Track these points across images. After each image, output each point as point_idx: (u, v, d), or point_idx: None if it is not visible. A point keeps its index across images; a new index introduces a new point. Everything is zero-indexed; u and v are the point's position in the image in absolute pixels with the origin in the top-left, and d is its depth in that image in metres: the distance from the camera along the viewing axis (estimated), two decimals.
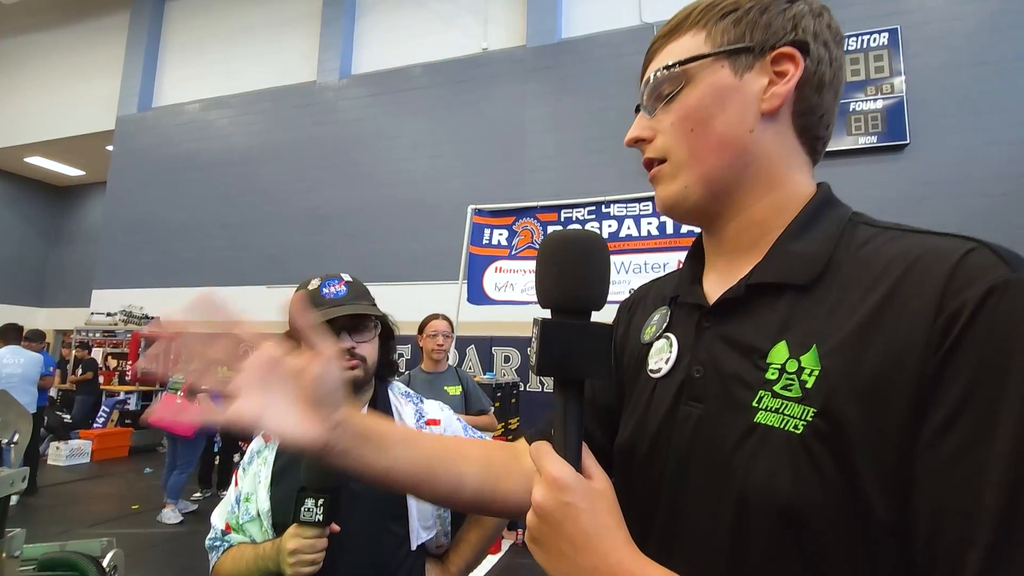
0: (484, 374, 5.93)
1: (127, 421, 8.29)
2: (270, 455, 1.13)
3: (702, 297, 0.55)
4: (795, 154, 0.53)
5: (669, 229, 3.91)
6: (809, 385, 0.43)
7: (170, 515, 4.84)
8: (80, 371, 8.24)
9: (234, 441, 5.90)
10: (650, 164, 0.56)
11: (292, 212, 8.60)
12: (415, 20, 8.56)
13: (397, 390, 1.26)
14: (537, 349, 0.44)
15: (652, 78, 0.54)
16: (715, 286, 0.55)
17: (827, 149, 0.57)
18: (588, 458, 0.46)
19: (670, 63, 0.53)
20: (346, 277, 1.17)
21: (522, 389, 6.04)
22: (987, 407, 0.36)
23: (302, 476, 0.97)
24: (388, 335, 1.24)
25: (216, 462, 5.89)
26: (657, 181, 0.56)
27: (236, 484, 1.15)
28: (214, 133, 9.54)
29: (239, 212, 8.98)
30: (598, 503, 0.44)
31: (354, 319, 1.12)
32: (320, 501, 0.95)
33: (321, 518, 0.94)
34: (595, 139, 7.07)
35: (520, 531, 4.30)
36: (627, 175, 6.75)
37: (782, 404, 0.43)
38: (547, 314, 0.47)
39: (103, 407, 8.12)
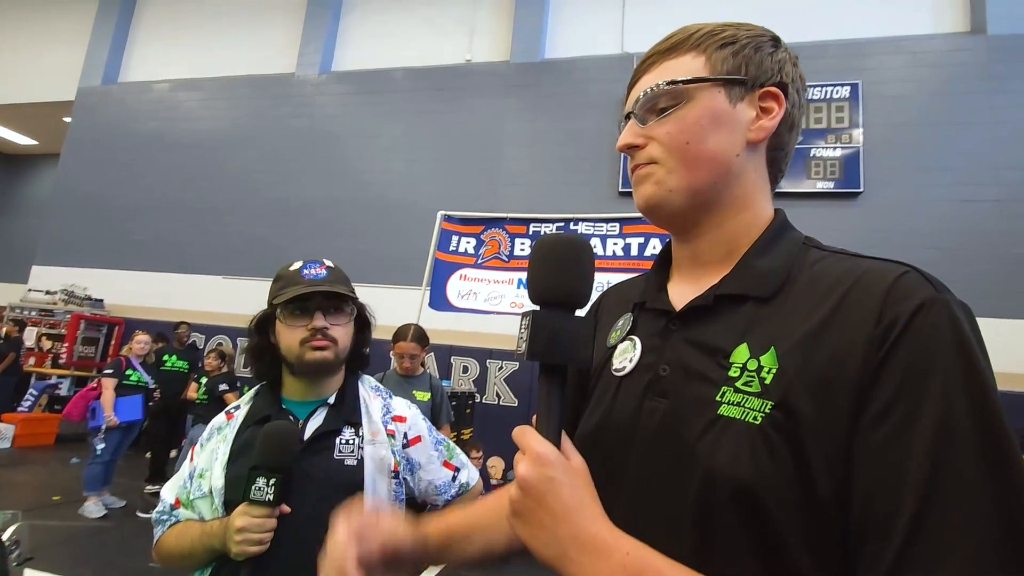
0: (441, 383, 5.86)
1: (56, 407, 7.79)
2: (230, 433, 1.10)
3: (668, 303, 0.61)
4: (764, 182, 0.61)
5: (634, 251, 3.98)
6: (768, 381, 0.48)
7: (92, 508, 4.54)
8: None
9: (165, 440, 5.69)
10: (637, 166, 0.61)
11: (258, 203, 8.37)
12: (401, 24, 8.56)
13: (367, 383, 1.25)
14: (528, 336, 0.50)
15: (650, 90, 0.59)
16: (681, 293, 0.61)
17: (790, 190, 0.64)
18: (565, 441, 0.52)
19: (674, 79, 0.58)
20: (327, 263, 1.18)
21: (478, 400, 5.99)
22: (914, 401, 0.42)
23: (255, 454, 0.95)
24: (364, 325, 1.24)
25: (172, 455, 5.61)
26: (642, 180, 0.61)
27: (191, 459, 1.12)
28: (182, 114, 9.23)
29: (201, 197, 8.68)
30: (577, 478, 0.49)
31: (330, 300, 1.13)
32: (271, 480, 0.93)
33: (271, 497, 0.93)
34: (569, 159, 7.19)
35: None
36: (598, 196, 6.88)
37: (743, 398, 0.49)
38: (537, 309, 0.53)
39: (31, 390, 7.61)
